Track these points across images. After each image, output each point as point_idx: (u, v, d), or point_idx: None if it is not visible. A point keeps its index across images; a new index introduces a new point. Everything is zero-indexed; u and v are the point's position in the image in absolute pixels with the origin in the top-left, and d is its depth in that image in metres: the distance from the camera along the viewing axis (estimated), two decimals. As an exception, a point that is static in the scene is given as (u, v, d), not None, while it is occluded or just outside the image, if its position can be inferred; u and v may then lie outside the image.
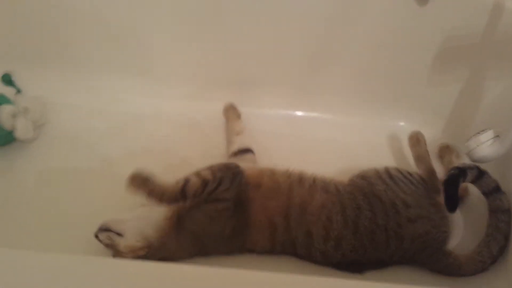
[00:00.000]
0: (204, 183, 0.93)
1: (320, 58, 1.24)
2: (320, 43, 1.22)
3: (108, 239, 0.93)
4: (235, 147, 1.15)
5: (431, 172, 1.04)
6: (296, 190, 0.98)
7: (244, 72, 1.28)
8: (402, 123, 1.30)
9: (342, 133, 1.28)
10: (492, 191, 0.98)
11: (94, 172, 1.16)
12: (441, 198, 0.98)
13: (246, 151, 1.14)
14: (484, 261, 0.96)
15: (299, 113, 1.33)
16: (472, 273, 0.97)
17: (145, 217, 0.96)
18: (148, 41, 1.24)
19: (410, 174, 1.03)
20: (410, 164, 1.12)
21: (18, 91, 1.22)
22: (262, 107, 1.31)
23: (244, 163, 1.03)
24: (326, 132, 1.28)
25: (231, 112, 1.23)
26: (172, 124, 1.27)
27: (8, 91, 1.19)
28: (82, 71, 1.28)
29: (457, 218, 1.04)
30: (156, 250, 0.93)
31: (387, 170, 1.02)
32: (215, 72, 1.28)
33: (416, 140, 1.10)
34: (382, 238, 0.94)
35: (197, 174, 0.94)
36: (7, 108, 1.12)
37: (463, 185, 1.00)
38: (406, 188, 0.99)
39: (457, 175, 0.96)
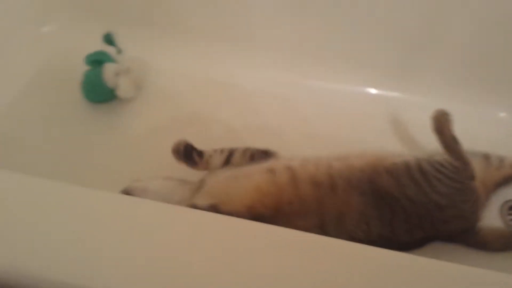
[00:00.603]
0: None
1: (423, 37, 1.19)
2: (423, 21, 1.17)
3: None
4: None
5: (465, 161, 0.97)
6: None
7: (345, 49, 1.25)
8: (502, 114, 1.23)
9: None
10: None
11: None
12: (474, 184, 0.95)
13: None
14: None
15: (394, 94, 1.28)
16: (498, 251, 0.97)
17: (165, 192, 0.98)
18: (253, 10, 1.24)
19: (443, 166, 0.95)
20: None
21: (119, 51, 1.25)
22: (356, 85, 1.28)
23: None
24: (417, 115, 1.22)
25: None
26: (274, 100, 1.26)
27: (109, 50, 1.23)
28: (183, 37, 1.30)
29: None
30: None
31: (419, 165, 0.95)
32: (315, 47, 1.26)
33: (445, 121, 1.00)
34: (419, 235, 0.94)
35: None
36: (111, 66, 1.15)
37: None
38: (439, 186, 0.93)
39: None
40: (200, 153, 1.02)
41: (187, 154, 1.01)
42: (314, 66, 1.29)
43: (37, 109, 1.19)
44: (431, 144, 1.14)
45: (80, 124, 1.18)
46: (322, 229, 0.91)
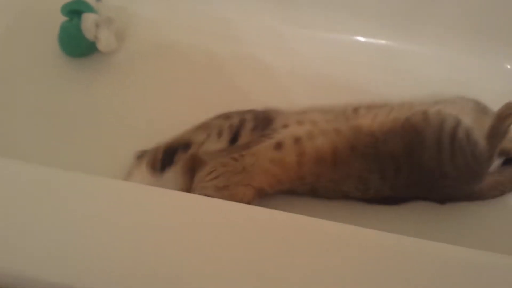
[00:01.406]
0: None
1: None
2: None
3: None
4: None
5: (493, 155, 0.91)
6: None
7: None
8: (509, 66, 1.17)
9: (438, 69, 1.17)
10: None
11: (169, 91, 1.10)
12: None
13: None
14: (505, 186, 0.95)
15: (395, 44, 1.20)
16: (491, 197, 0.95)
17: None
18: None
19: (476, 142, 0.88)
20: None
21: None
22: (359, 35, 1.22)
23: None
24: (421, 66, 1.18)
25: None
26: (270, 46, 1.20)
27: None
28: None
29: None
30: None
31: (454, 130, 0.87)
32: None
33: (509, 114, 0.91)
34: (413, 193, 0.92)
35: None
36: (91, 17, 1.05)
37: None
38: (459, 159, 0.87)
39: None
40: (186, 145, 0.88)
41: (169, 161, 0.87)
42: (318, 15, 1.22)
43: (10, 65, 1.10)
44: (432, 96, 1.11)
45: (58, 80, 1.10)
46: (314, 191, 0.90)
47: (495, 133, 0.90)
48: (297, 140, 0.88)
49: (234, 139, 0.91)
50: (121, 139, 1.02)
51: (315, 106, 0.97)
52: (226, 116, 0.93)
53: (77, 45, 1.08)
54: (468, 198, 0.94)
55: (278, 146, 0.88)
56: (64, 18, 1.08)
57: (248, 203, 0.84)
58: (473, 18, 1.15)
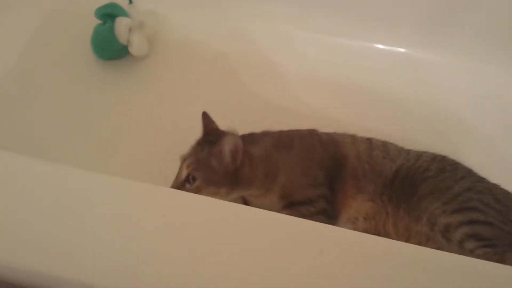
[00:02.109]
0: None
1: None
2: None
3: None
4: None
5: None
6: None
7: (373, 6, 1.19)
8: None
9: (468, 82, 1.16)
10: None
11: (197, 94, 1.11)
12: None
13: None
14: None
15: (415, 53, 1.20)
16: None
17: None
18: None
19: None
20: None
21: (130, 1, 1.17)
22: (384, 44, 1.22)
23: None
24: (451, 78, 1.17)
25: None
26: (293, 55, 1.20)
27: (120, 1, 1.14)
28: None
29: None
30: None
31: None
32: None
33: None
34: None
35: None
36: (124, 21, 1.07)
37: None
38: None
39: None
40: None
41: None
42: (337, 21, 1.22)
43: (42, 66, 1.10)
44: (460, 109, 1.11)
45: (89, 82, 1.11)
46: None
47: None
48: None
49: None
50: (150, 141, 1.03)
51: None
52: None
53: (109, 48, 1.10)
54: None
55: None
56: (97, 21, 1.09)
57: None
58: (499, 27, 1.14)
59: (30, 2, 1.09)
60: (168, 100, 1.10)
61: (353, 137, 0.94)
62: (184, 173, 0.85)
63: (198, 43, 1.20)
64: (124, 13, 1.09)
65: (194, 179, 0.84)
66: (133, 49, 1.10)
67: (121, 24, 1.06)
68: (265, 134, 0.94)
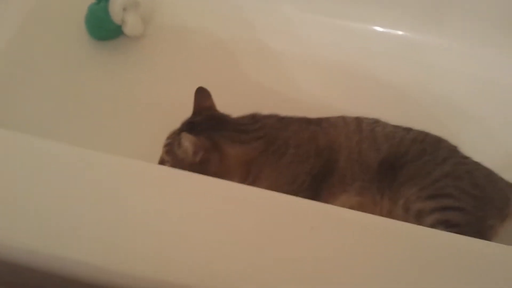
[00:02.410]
0: None
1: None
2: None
3: None
4: None
5: None
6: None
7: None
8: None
9: (468, 65, 1.14)
10: None
11: (192, 74, 1.10)
12: None
13: None
14: None
15: (419, 37, 1.19)
16: None
17: None
18: None
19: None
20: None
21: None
22: (384, 26, 1.20)
23: None
24: (450, 61, 1.16)
25: None
26: (294, 38, 1.19)
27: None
28: None
29: None
30: None
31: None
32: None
33: None
34: None
35: None
36: (118, 0, 1.05)
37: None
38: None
39: None
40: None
41: None
42: (336, 2, 1.21)
43: (37, 46, 1.09)
44: (458, 92, 1.11)
45: (84, 62, 1.10)
46: None
47: None
48: None
49: None
50: (144, 121, 1.03)
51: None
52: None
53: (104, 28, 1.08)
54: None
55: None
56: (91, 0, 1.08)
57: None
58: (498, 10, 1.13)
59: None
60: (163, 81, 1.09)
61: (347, 128, 0.92)
62: (162, 152, 0.87)
63: (194, 23, 1.18)
64: (118, -8, 1.07)
65: (166, 161, 0.86)
66: (127, 29, 1.08)
67: (115, 4, 1.05)
68: (258, 132, 0.91)
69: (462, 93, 1.12)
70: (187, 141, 0.83)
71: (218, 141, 0.86)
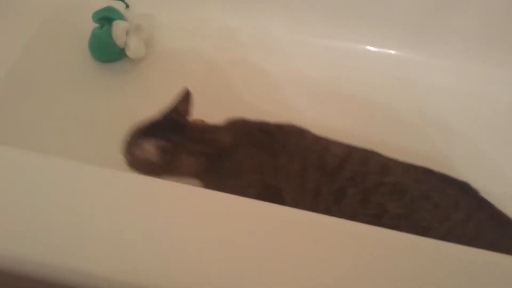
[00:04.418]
0: None
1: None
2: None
3: None
4: None
5: None
6: None
7: (363, 7, 1.21)
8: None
9: (459, 82, 1.19)
10: None
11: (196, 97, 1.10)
12: None
13: None
14: None
15: (412, 55, 1.23)
16: None
17: None
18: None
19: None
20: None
21: (127, 6, 1.19)
22: (371, 45, 1.24)
23: None
24: (441, 79, 1.20)
25: None
26: (285, 57, 1.23)
27: (116, 5, 1.16)
28: None
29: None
30: None
31: None
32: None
33: None
34: None
35: None
36: (121, 24, 1.09)
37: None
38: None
39: None
40: None
41: None
42: (327, 24, 1.24)
43: (41, 68, 1.12)
44: (449, 110, 1.14)
45: (88, 84, 1.13)
46: None
47: None
48: None
49: None
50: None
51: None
52: None
53: (107, 51, 1.12)
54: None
55: None
56: (95, 25, 1.12)
57: None
58: (487, 29, 1.17)
59: (30, 4, 1.11)
60: (164, 102, 1.12)
61: None
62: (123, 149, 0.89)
63: (191, 46, 1.22)
64: (121, 17, 1.11)
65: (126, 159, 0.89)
66: (130, 52, 1.12)
67: (118, 28, 1.08)
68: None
69: (452, 110, 1.15)
70: (148, 144, 0.85)
71: (179, 146, 0.88)
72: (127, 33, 1.10)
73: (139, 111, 1.09)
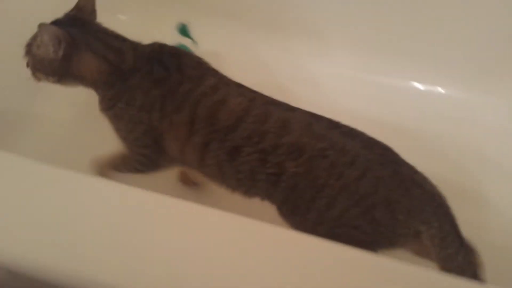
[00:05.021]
0: None
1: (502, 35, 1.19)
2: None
3: None
4: None
5: None
6: None
7: (420, 46, 1.26)
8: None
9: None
10: None
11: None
12: None
13: None
14: None
15: (460, 95, 1.27)
16: None
17: None
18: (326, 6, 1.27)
19: None
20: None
21: (195, 42, 1.29)
22: (428, 84, 1.29)
23: None
24: (482, 116, 1.24)
25: None
26: (345, 92, 1.28)
27: (184, 41, 1.26)
28: (257, 29, 1.35)
29: None
30: None
31: None
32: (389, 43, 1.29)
33: None
34: None
35: None
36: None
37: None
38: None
39: None
40: None
41: None
42: (384, 62, 1.31)
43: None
44: (496, 149, 1.17)
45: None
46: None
47: None
48: None
49: None
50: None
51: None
52: None
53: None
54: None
55: None
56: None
57: None
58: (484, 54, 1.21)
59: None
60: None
61: None
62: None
63: (259, 81, 1.30)
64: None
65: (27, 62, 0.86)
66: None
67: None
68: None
69: (499, 149, 1.19)
70: (46, 34, 0.81)
71: (79, 41, 0.84)
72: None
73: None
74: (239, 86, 0.89)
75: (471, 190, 1.12)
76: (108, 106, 0.89)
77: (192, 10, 1.33)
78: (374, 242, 0.81)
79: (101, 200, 0.67)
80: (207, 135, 0.84)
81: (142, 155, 0.92)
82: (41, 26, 0.82)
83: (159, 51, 0.90)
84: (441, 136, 1.21)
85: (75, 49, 0.84)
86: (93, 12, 0.91)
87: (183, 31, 1.29)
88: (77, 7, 0.89)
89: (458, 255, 0.77)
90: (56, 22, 0.85)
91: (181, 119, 0.84)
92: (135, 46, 0.90)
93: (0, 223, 0.64)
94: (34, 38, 0.85)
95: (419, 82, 1.31)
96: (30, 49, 0.85)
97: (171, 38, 1.22)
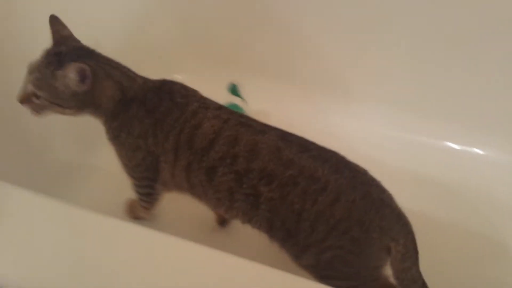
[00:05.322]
0: None
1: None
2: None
3: None
4: None
5: None
6: None
7: (463, 108, 1.30)
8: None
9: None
10: None
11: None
12: None
13: None
14: None
15: (498, 156, 1.29)
16: None
17: None
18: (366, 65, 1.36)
19: None
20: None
21: (244, 101, 1.35)
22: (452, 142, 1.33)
23: None
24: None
25: None
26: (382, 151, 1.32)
27: (235, 100, 1.33)
28: (300, 89, 1.42)
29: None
30: None
31: None
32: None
33: None
34: None
35: None
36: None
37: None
38: None
39: None
40: None
41: None
42: (421, 122, 1.36)
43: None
44: None
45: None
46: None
47: None
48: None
49: None
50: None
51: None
52: None
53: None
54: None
55: None
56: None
57: None
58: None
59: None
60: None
61: None
62: (30, 88, 0.85)
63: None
64: (241, 111, 1.27)
65: (39, 96, 0.85)
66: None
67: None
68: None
69: None
70: (72, 71, 0.82)
71: (98, 71, 0.87)
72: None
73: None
74: (218, 108, 0.92)
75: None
76: (115, 135, 0.95)
77: (243, 72, 1.41)
78: (362, 262, 0.85)
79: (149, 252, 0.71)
80: (187, 157, 0.88)
81: (144, 178, 0.99)
82: (69, 65, 0.83)
83: (162, 82, 0.95)
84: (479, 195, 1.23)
85: (96, 80, 0.87)
86: (72, 35, 0.92)
87: (234, 90, 1.36)
88: (62, 37, 0.90)
89: (412, 269, 0.83)
90: (66, 55, 0.86)
91: (169, 145, 0.90)
92: (145, 80, 0.95)
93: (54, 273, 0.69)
94: (42, 71, 0.85)
95: (455, 142, 1.34)
96: (43, 82, 0.84)
97: (223, 97, 1.29)
